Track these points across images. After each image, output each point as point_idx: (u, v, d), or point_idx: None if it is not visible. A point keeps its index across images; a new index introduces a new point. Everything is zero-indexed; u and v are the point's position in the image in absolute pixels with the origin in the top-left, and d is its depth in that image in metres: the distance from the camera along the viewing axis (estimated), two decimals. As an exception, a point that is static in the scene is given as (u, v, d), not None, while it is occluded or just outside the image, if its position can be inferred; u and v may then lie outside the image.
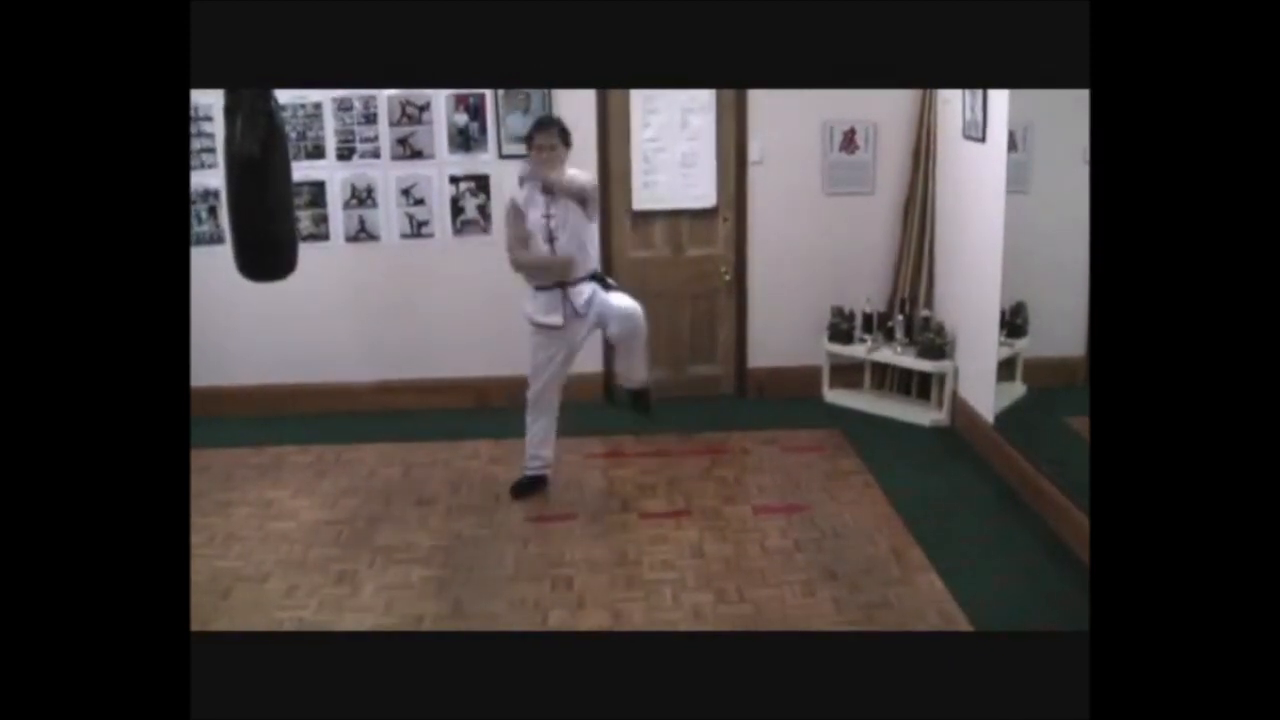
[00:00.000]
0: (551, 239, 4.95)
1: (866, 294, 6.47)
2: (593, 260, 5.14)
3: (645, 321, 5.12)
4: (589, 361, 6.05)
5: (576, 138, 6.23)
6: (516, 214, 5.00)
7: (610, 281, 5.21)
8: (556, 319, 5.01)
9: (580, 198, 4.92)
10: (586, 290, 5.02)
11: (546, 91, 6.22)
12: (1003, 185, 5.26)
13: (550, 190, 4.90)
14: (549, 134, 4.88)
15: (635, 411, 5.51)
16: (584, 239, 5.03)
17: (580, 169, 5.15)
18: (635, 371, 5.31)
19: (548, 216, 4.94)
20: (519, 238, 5.00)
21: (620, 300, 5.06)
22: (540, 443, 5.26)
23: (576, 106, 6.26)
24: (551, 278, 4.97)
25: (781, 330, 6.60)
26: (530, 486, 5.28)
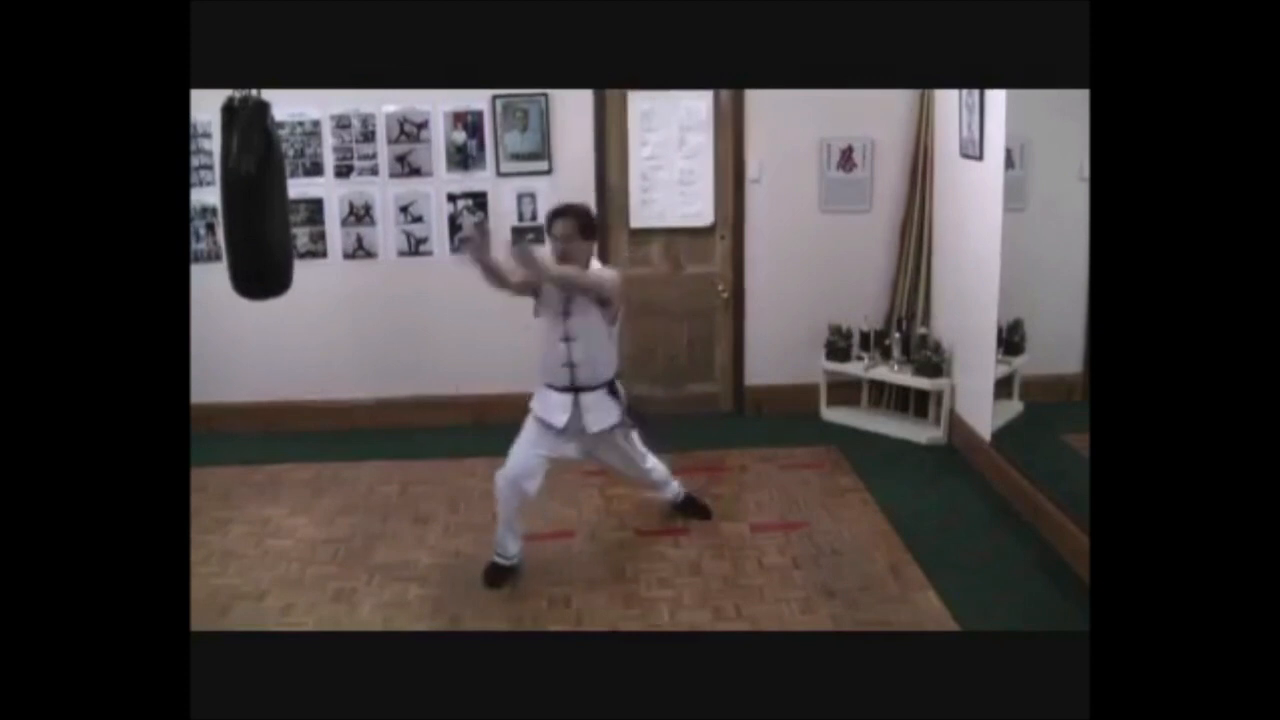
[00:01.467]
0: (568, 339, 4.48)
1: (864, 312, 6.47)
2: (611, 365, 4.64)
3: (653, 460, 4.94)
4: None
5: (575, 154, 6.30)
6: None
7: (620, 393, 4.68)
8: (560, 419, 4.54)
9: (600, 298, 4.44)
10: (603, 412, 4.60)
11: (545, 109, 6.24)
12: (1000, 203, 5.27)
13: (568, 289, 4.43)
14: (566, 223, 4.43)
15: (687, 516, 5.15)
16: (600, 339, 4.53)
17: (604, 267, 4.71)
18: (669, 490, 5.10)
19: (566, 314, 4.47)
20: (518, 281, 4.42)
21: (637, 460, 4.85)
22: (507, 528, 4.63)
23: (574, 124, 6.29)
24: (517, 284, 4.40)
25: (779, 348, 6.60)
26: (498, 575, 4.63)
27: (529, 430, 4.62)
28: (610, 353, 4.63)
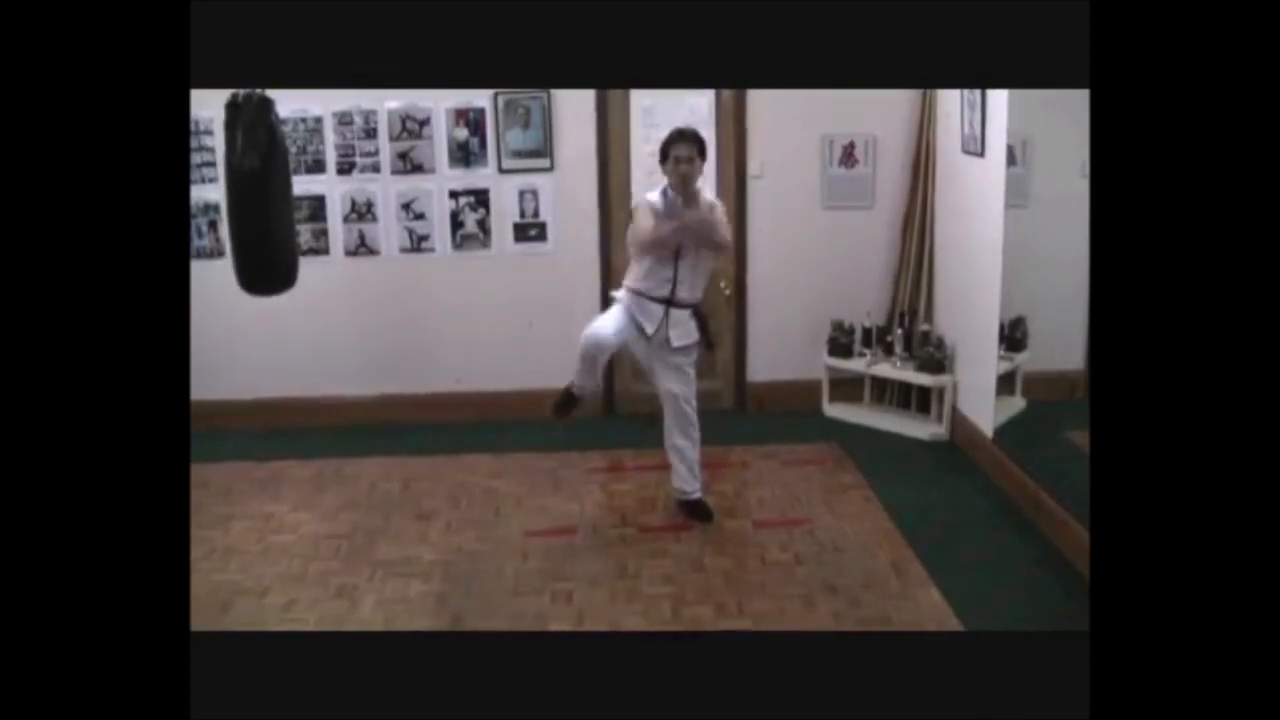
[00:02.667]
0: (678, 255, 4.80)
1: (866, 308, 6.47)
2: (702, 289, 4.99)
3: (698, 434, 5.07)
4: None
5: (577, 151, 6.31)
6: (648, 215, 4.80)
7: (704, 316, 5.03)
8: (650, 326, 4.87)
9: (712, 241, 4.81)
10: (690, 331, 4.93)
11: (546, 106, 6.24)
12: (1002, 199, 5.27)
13: (688, 204, 4.75)
14: (688, 145, 4.73)
15: (691, 518, 5.12)
16: (704, 262, 4.90)
17: (716, 203, 4.99)
18: (687, 483, 5.11)
19: (679, 228, 4.75)
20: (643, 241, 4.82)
21: (692, 393, 5.00)
22: (586, 368, 4.97)
23: (576, 121, 6.29)
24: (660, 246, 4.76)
25: (781, 344, 6.61)
26: (567, 401, 5.09)
27: (618, 315, 4.93)
28: (706, 278, 5.00)
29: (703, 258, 4.87)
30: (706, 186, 4.90)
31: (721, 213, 4.92)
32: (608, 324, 4.91)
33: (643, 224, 4.80)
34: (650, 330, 4.87)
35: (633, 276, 4.93)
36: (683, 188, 4.75)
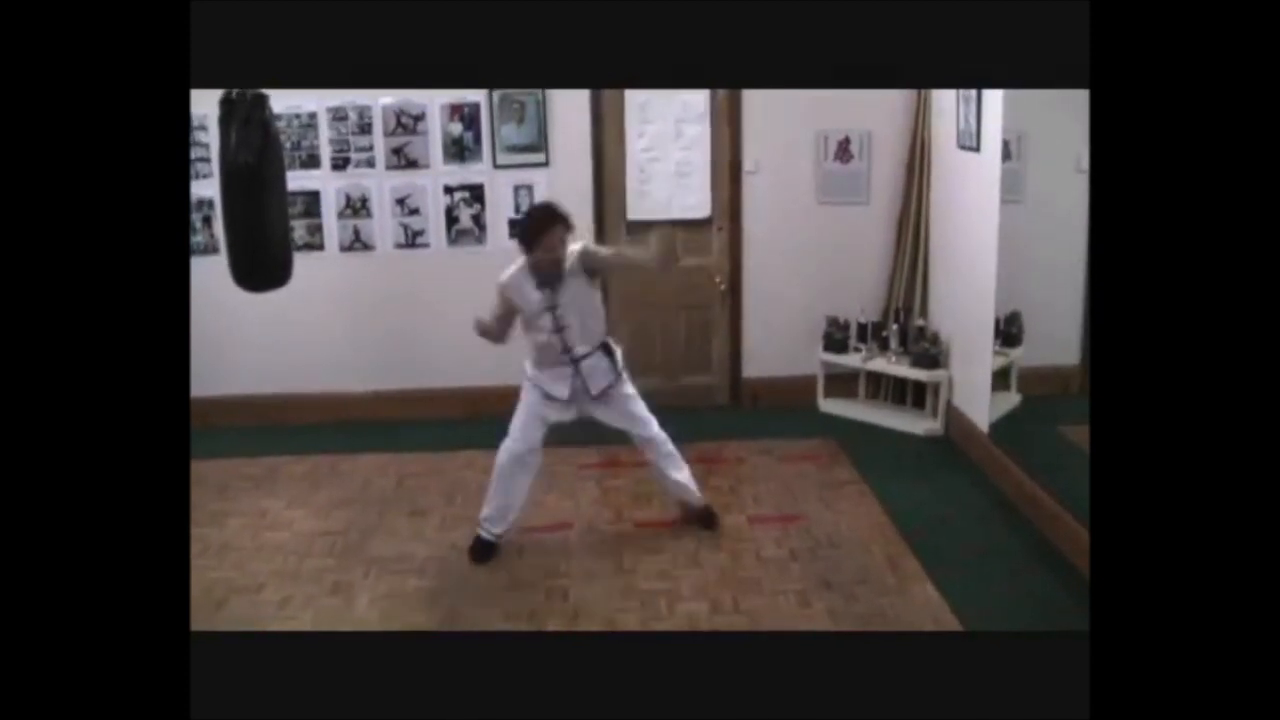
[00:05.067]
0: (560, 328, 4.53)
1: (861, 303, 6.47)
2: (602, 329, 4.70)
3: (672, 445, 4.84)
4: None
5: (571, 146, 6.30)
6: (506, 304, 4.59)
7: (617, 354, 4.76)
8: (563, 391, 4.64)
9: (638, 268, 4.64)
10: (602, 373, 4.66)
11: (541, 102, 6.24)
12: (997, 194, 5.27)
13: (550, 283, 4.47)
14: (562, 228, 4.42)
15: (702, 527, 4.96)
16: (591, 311, 4.62)
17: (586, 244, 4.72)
18: (687, 493, 4.95)
19: (552, 307, 4.50)
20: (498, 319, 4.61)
21: (641, 416, 4.77)
22: (505, 507, 4.72)
23: (570, 116, 6.28)
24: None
25: (776, 340, 6.60)
26: (485, 551, 4.74)
27: (530, 401, 4.70)
28: (599, 315, 4.69)
29: (579, 295, 4.54)
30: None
31: (594, 249, 4.69)
32: (517, 434, 4.67)
33: (498, 312, 4.60)
34: (565, 394, 4.63)
35: (530, 358, 4.72)
36: (552, 269, 4.46)
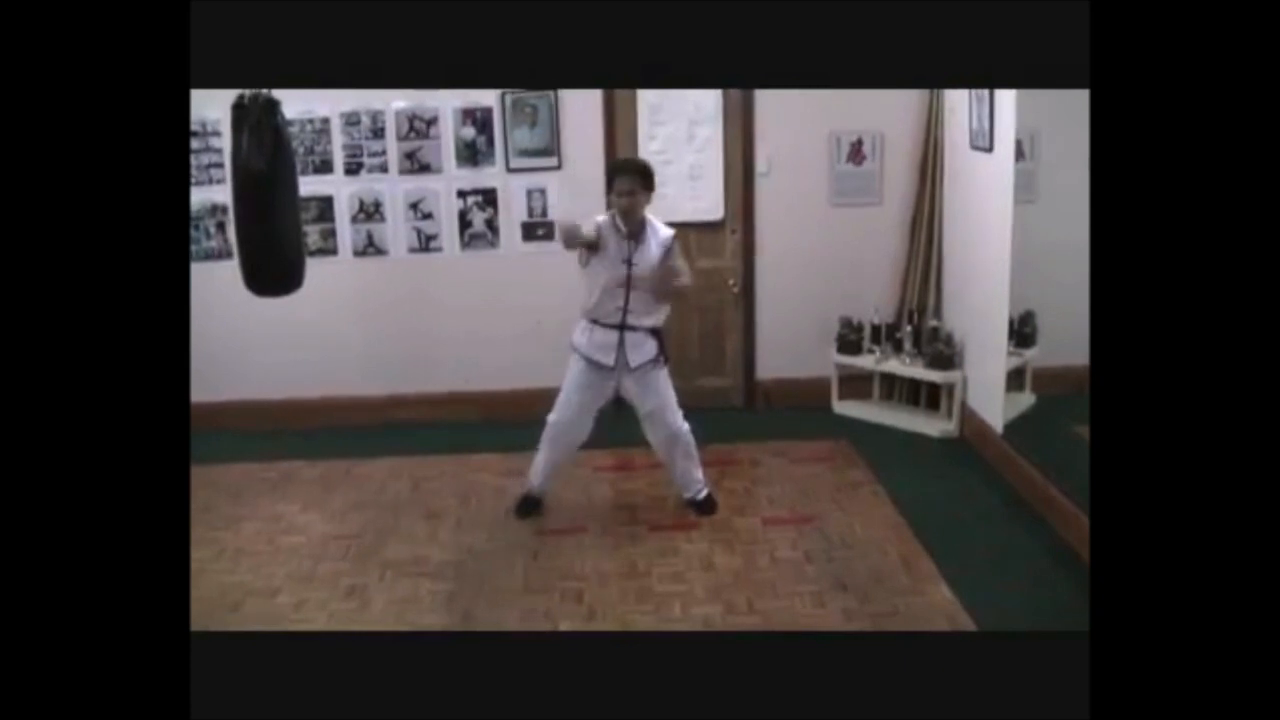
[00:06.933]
0: (629, 285, 4.76)
1: (874, 304, 6.46)
2: (659, 316, 4.92)
3: (691, 439, 5.04)
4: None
5: (584, 149, 6.30)
6: (591, 238, 4.70)
7: (662, 335, 4.97)
8: (608, 358, 4.86)
9: (669, 292, 4.79)
10: (648, 350, 4.88)
11: (554, 105, 6.24)
12: (1010, 194, 5.26)
13: (634, 236, 4.74)
14: (630, 179, 4.71)
15: (700, 514, 5.14)
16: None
17: (660, 219, 4.93)
18: (692, 483, 5.15)
19: (628, 261, 4.75)
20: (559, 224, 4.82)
21: (671, 403, 4.96)
22: (549, 465, 5.12)
23: (582, 119, 6.29)
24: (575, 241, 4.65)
25: (789, 341, 6.60)
26: (528, 506, 5.18)
27: (575, 372, 4.93)
28: (664, 306, 4.93)
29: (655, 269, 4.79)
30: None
31: (678, 251, 4.89)
32: (569, 403, 4.96)
33: (584, 226, 4.68)
34: (609, 361, 4.85)
35: (585, 305, 4.90)
36: (625, 219, 4.74)
